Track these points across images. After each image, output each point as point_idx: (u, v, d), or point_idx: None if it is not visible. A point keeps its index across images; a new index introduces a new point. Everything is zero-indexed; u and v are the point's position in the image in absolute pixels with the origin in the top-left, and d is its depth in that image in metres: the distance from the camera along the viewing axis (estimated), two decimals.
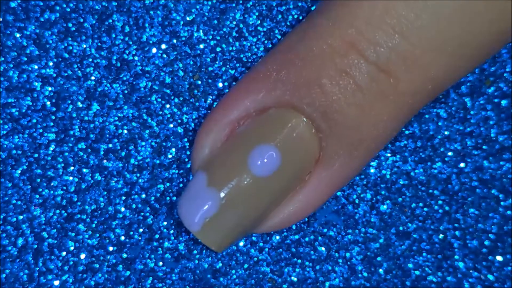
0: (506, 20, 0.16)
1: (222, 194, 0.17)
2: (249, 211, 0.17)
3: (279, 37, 0.20)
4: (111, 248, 0.20)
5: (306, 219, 0.21)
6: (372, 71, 0.16)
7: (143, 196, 0.20)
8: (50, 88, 0.20)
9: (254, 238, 0.21)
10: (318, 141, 0.17)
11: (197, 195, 0.17)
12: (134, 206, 0.20)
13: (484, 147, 0.20)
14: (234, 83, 0.20)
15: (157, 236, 0.20)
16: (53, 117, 0.20)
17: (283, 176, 0.17)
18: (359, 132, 0.16)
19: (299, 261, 0.21)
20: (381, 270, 0.21)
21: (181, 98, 0.20)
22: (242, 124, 0.17)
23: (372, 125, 0.16)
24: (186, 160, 0.20)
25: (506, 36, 0.16)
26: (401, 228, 0.21)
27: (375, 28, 0.15)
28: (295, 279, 0.21)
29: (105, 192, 0.20)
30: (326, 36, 0.16)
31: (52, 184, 0.20)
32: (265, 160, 0.16)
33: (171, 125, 0.20)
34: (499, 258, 0.21)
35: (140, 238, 0.20)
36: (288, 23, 0.20)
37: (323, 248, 0.21)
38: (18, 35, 0.20)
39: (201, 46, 0.20)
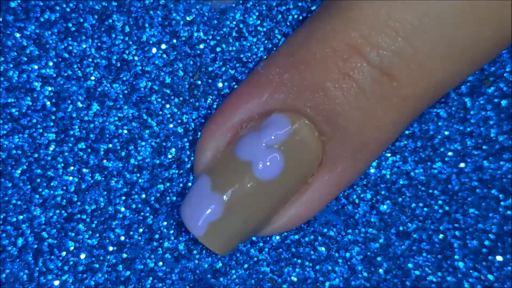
0: (508, 24, 0.16)
1: (225, 198, 0.17)
2: (253, 214, 0.17)
3: (279, 37, 0.20)
4: (111, 248, 0.20)
5: None
6: (375, 74, 0.16)
7: (143, 196, 0.20)
8: (50, 88, 0.20)
9: (254, 238, 0.21)
10: (321, 145, 0.17)
11: (201, 199, 0.17)
12: (134, 206, 0.20)
13: (484, 147, 0.20)
14: (234, 83, 0.20)
15: (157, 236, 0.20)
16: (53, 117, 0.20)
17: (287, 180, 0.17)
18: (362, 135, 0.16)
19: (299, 261, 0.21)
20: (381, 270, 0.21)
21: (181, 98, 0.20)
22: (244, 127, 0.17)
23: (375, 128, 0.16)
24: (186, 160, 0.20)
25: (507, 40, 0.16)
26: (401, 228, 0.21)
27: (379, 32, 0.15)
28: (295, 279, 0.21)
29: (105, 192, 0.20)
30: (329, 40, 0.16)
31: (52, 184, 0.20)
32: (269, 164, 0.16)
33: (171, 125, 0.20)
34: (499, 258, 0.21)
35: (140, 238, 0.20)
36: (288, 23, 0.20)
37: (323, 248, 0.21)
38: (18, 35, 0.20)
39: (201, 46, 0.20)
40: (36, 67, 0.20)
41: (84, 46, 0.20)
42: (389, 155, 0.21)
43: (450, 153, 0.20)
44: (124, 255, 0.20)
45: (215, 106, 0.20)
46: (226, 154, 0.17)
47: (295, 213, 0.18)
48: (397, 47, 0.15)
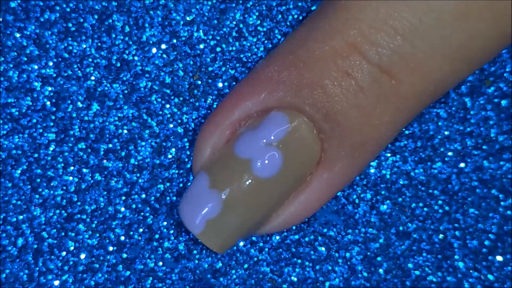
0: (507, 24, 0.16)
1: (224, 196, 0.17)
2: (251, 212, 0.17)
3: (279, 37, 0.20)
4: (111, 248, 0.20)
5: (306, 219, 0.21)
6: (374, 72, 0.16)
7: (143, 196, 0.20)
8: (50, 88, 0.20)
9: (254, 238, 0.21)
10: (319, 143, 0.17)
11: (199, 197, 0.17)
12: (134, 206, 0.20)
13: (484, 147, 0.20)
14: (234, 83, 0.20)
15: (157, 236, 0.20)
16: (53, 117, 0.20)
17: (285, 178, 0.17)
18: (360, 133, 0.16)
19: (299, 261, 0.21)
20: (381, 270, 0.21)
21: (181, 98, 0.20)
22: (243, 125, 0.17)
23: (373, 126, 0.16)
24: (186, 160, 0.20)
25: (508, 39, 0.16)
26: (401, 228, 0.21)
27: (378, 30, 0.15)
28: (295, 279, 0.21)
29: (105, 192, 0.20)
30: (328, 38, 0.16)
31: (52, 184, 0.20)
32: (267, 162, 0.16)
33: (171, 125, 0.20)
34: (499, 258, 0.21)
35: (140, 238, 0.20)
36: (288, 23, 0.20)
37: (323, 248, 0.21)
38: (18, 35, 0.20)
39: (201, 46, 0.20)
40: (36, 67, 0.20)
41: (84, 46, 0.20)
42: (389, 155, 0.21)
43: (450, 153, 0.20)
44: (124, 255, 0.20)
45: (215, 106, 0.20)
46: (225, 152, 0.17)
47: (294, 211, 0.18)
48: (396, 45, 0.15)
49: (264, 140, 0.16)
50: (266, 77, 0.17)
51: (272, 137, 0.16)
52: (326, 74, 0.16)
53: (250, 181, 0.16)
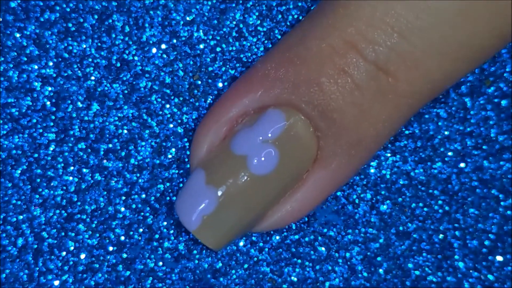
0: (507, 23, 0.16)
1: (220, 192, 0.17)
2: (247, 209, 0.17)
3: (279, 37, 0.20)
4: (111, 248, 0.20)
5: (306, 219, 0.21)
6: (370, 70, 0.16)
7: (143, 196, 0.20)
8: (50, 88, 0.20)
9: (254, 238, 0.21)
10: (316, 140, 0.17)
11: (195, 193, 0.17)
12: (134, 206, 0.20)
13: (484, 147, 0.20)
14: None
15: (157, 236, 0.20)
16: (53, 117, 0.20)
17: (281, 175, 0.17)
18: (357, 131, 0.16)
19: (299, 261, 0.21)
20: (381, 270, 0.21)
21: (181, 98, 0.20)
22: (240, 122, 0.17)
23: (370, 124, 0.16)
24: (186, 160, 0.20)
25: (506, 38, 0.16)
26: (401, 228, 0.21)
27: (375, 28, 0.15)
28: (295, 279, 0.21)
29: (105, 192, 0.20)
30: (326, 35, 0.16)
31: (52, 184, 0.20)
32: (263, 159, 0.16)
33: (171, 125, 0.20)
34: (499, 258, 0.21)
35: (140, 238, 0.20)
36: (288, 23, 0.20)
37: (323, 248, 0.21)
38: (18, 35, 0.20)
39: (201, 46, 0.20)
40: (36, 67, 0.20)
41: (84, 46, 0.20)
42: (389, 155, 0.21)
43: (450, 153, 0.20)
44: (124, 255, 0.20)
45: (213, 104, 0.20)
46: (221, 149, 0.17)
47: (290, 209, 0.18)
48: (393, 43, 0.15)
49: (261, 137, 0.17)
50: (263, 75, 0.17)
51: (269, 135, 0.17)
52: (322, 71, 0.16)
53: (246, 178, 0.16)
